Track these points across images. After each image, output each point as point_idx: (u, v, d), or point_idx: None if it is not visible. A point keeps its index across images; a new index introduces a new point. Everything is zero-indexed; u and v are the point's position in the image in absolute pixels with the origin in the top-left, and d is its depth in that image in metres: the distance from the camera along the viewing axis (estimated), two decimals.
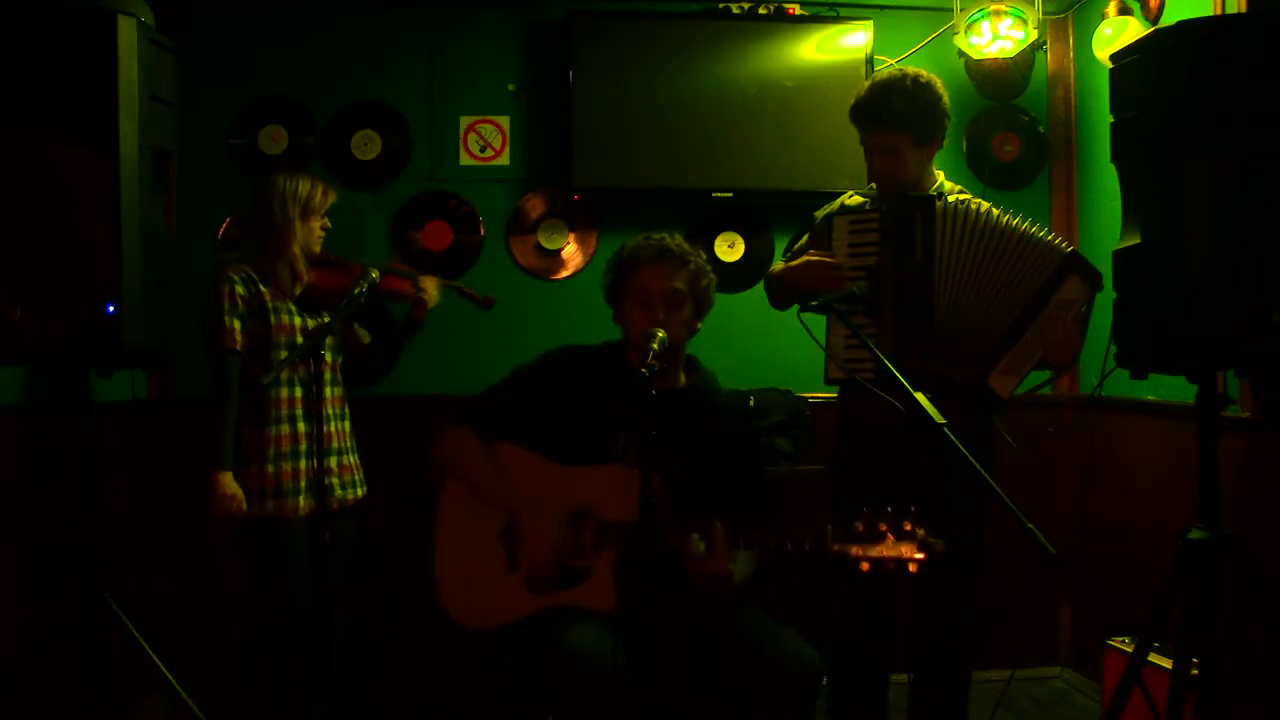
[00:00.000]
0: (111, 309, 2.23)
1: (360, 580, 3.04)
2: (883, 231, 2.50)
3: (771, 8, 3.70)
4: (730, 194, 3.67)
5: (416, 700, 3.54)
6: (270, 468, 2.75)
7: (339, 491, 2.87)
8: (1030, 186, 3.93)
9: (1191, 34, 2.08)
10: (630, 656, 2.12)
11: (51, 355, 2.26)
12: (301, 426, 2.80)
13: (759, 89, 3.67)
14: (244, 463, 2.74)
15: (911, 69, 2.61)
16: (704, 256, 2.51)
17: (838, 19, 3.72)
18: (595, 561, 2.30)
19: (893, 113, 2.54)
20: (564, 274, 3.78)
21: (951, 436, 1.91)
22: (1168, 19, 3.18)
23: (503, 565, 2.37)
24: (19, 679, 2.72)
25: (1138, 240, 2.16)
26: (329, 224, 2.93)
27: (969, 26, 3.62)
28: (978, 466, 1.90)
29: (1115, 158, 2.26)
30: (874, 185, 2.69)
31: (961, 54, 3.68)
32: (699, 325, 2.50)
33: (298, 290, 2.84)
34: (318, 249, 2.89)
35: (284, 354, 2.76)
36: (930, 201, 2.47)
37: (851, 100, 2.64)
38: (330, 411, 2.84)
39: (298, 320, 2.84)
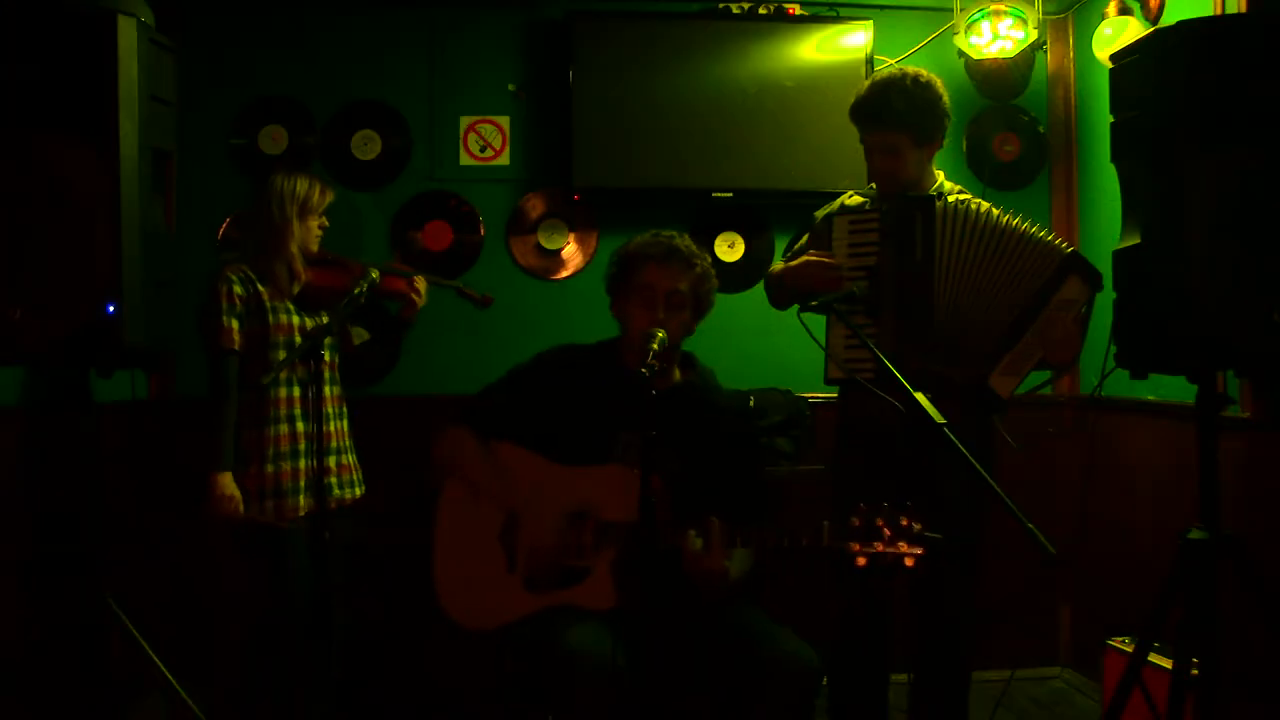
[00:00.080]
0: (111, 309, 2.22)
1: (360, 580, 3.04)
2: (883, 231, 2.50)
3: (771, 8, 3.70)
4: (730, 194, 3.67)
5: (416, 700, 3.54)
6: (270, 467, 2.75)
7: (337, 491, 2.87)
8: (1030, 186, 3.93)
9: (1191, 34, 2.08)
10: (630, 656, 2.12)
11: (51, 355, 2.26)
12: (300, 426, 2.80)
13: (759, 89, 3.67)
14: (243, 463, 2.74)
15: (912, 68, 2.61)
16: (709, 260, 2.51)
17: (838, 19, 3.72)
18: (594, 561, 2.30)
19: (893, 112, 2.54)
20: (564, 274, 3.78)
21: (951, 436, 1.91)
22: (1168, 19, 3.18)
23: (502, 565, 2.37)
24: (19, 679, 2.72)
25: (1138, 240, 2.16)
26: (327, 223, 2.93)
27: (969, 26, 3.62)
28: (978, 466, 1.90)
29: (1115, 158, 2.26)
30: (874, 185, 2.69)
31: (961, 54, 3.68)
32: (695, 326, 2.51)
33: (296, 289, 2.84)
34: (315, 248, 2.89)
35: (282, 353, 2.76)
36: (930, 201, 2.47)
37: (851, 100, 2.64)
38: (329, 411, 2.83)
39: (296, 319, 2.83)
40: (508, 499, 2.40)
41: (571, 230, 3.76)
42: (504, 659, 2.45)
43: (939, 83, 2.59)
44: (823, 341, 2.51)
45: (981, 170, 3.88)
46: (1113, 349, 2.23)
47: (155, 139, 2.36)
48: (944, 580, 2.47)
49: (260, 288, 2.79)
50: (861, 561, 1.99)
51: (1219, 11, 2.96)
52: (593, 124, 3.62)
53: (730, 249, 3.83)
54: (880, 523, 1.99)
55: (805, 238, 2.76)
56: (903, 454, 2.25)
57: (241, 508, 2.69)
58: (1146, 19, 3.29)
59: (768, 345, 3.68)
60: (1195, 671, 2.13)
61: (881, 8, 3.78)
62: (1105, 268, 2.33)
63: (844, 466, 2.72)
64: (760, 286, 2.95)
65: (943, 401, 2.00)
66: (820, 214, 2.74)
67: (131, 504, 3.24)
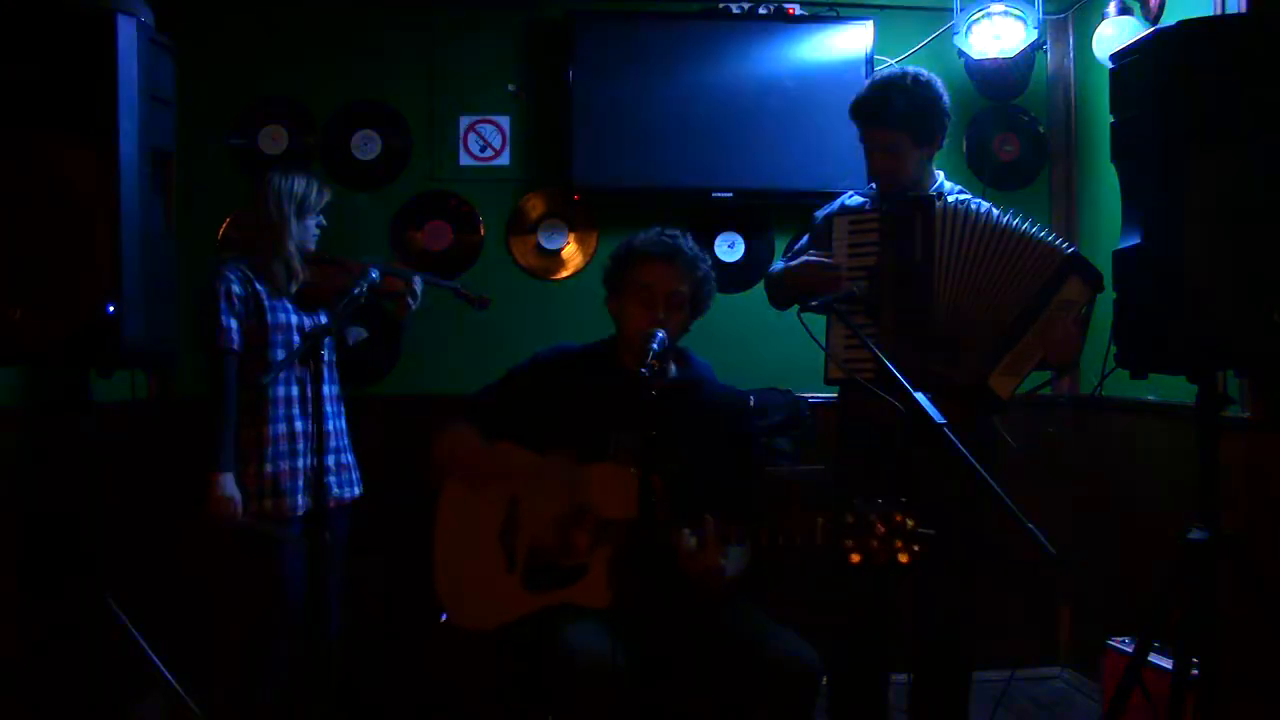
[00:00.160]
0: (111, 309, 2.22)
1: (359, 579, 3.04)
2: (883, 231, 2.50)
3: (771, 8, 3.70)
4: (730, 194, 3.66)
5: (416, 700, 3.54)
6: (269, 467, 2.75)
7: (336, 490, 2.87)
8: (1030, 186, 3.93)
9: (1191, 34, 2.08)
10: (629, 656, 2.12)
11: (51, 355, 2.26)
12: (299, 426, 2.80)
13: (759, 89, 3.66)
14: (242, 462, 2.74)
15: (912, 68, 2.61)
16: (710, 261, 2.51)
17: (838, 19, 3.72)
18: (592, 559, 2.30)
19: (893, 111, 2.54)
20: (564, 274, 3.77)
21: (951, 436, 1.91)
22: (1168, 19, 3.18)
23: (502, 565, 2.37)
24: (19, 679, 2.72)
25: (1138, 240, 2.16)
26: (324, 222, 2.93)
27: (969, 26, 3.62)
28: (978, 466, 1.90)
29: (1115, 158, 2.26)
30: (874, 185, 2.69)
31: (961, 54, 3.68)
32: (691, 325, 2.51)
33: (294, 288, 2.84)
34: (313, 247, 2.89)
35: (281, 353, 2.76)
36: (930, 201, 2.47)
37: (852, 100, 2.64)
38: (328, 410, 2.83)
39: (294, 318, 2.84)
40: (507, 498, 2.39)
41: (571, 230, 3.76)
42: (504, 659, 2.45)
43: (939, 82, 2.60)
44: (823, 341, 2.51)
45: (981, 170, 3.88)
46: (1113, 349, 2.23)
47: (155, 139, 2.35)
48: (944, 580, 2.47)
49: (258, 287, 2.79)
50: (856, 558, 1.99)
51: (1219, 11, 2.96)
52: (592, 124, 3.61)
53: (730, 249, 3.82)
54: (875, 520, 1.99)
55: (805, 238, 2.76)
56: (903, 454, 2.25)
57: (239, 510, 2.69)
58: (1146, 19, 3.29)
59: (768, 345, 3.68)
60: (1195, 671, 2.13)
61: (881, 8, 3.78)
62: (1105, 268, 2.33)
63: (844, 466, 2.72)
64: (760, 286, 2.95)
65: (943, 401, 2.00)
66: (820, 214, 2.74)
67: (131, 504, 3.24)
